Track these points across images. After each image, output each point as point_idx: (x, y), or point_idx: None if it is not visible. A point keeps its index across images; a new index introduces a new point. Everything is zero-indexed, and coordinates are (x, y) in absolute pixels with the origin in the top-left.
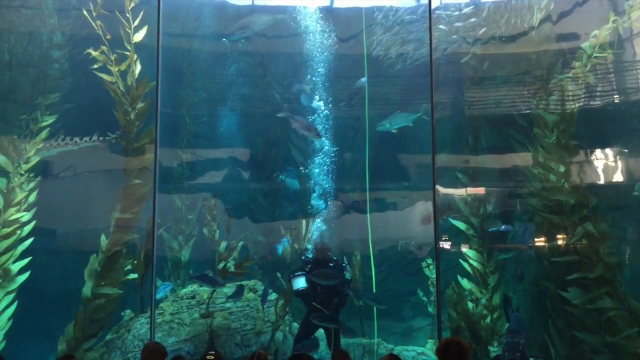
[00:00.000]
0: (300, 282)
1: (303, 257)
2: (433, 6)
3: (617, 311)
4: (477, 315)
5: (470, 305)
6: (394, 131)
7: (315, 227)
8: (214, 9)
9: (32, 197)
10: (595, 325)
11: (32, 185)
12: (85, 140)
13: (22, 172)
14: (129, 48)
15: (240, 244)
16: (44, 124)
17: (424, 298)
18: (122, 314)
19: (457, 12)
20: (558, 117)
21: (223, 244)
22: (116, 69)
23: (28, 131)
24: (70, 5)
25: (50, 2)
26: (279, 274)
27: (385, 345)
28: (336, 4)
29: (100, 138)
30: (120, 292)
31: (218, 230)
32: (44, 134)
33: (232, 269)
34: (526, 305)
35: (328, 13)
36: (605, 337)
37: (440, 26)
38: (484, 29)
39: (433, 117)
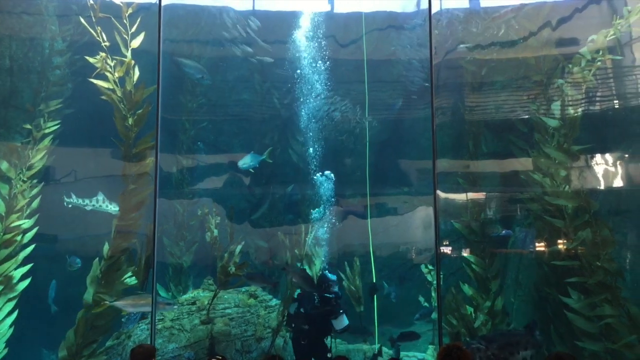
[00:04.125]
0: (344, 320)
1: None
2: (433, 11)
3: (616, 318)
4: (478, 321)
5: (470, 310)
6: (252, 170)
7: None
8: (214, 14)
9: (35, 204)
10: (596, 331)
11: (35, 191)
12: None
13: (25, 179)
14: (126, 54)
15: (239, 247)
16: (47, 130)
17: (426, 304)
18: (123, 320)
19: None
20: (560, 123)
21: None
22: (115, 76)
23: (31, 138)
24: (71, 12)
25: (51, 9)
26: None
27: (386, 351)
28: (336, 9)
29: None
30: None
31: (218, 236)
32: (46, 141)
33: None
34: (527, 311)
35: (328, 18)
36: (606, 344)
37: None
38: (483, 35)
39: (433, 123)
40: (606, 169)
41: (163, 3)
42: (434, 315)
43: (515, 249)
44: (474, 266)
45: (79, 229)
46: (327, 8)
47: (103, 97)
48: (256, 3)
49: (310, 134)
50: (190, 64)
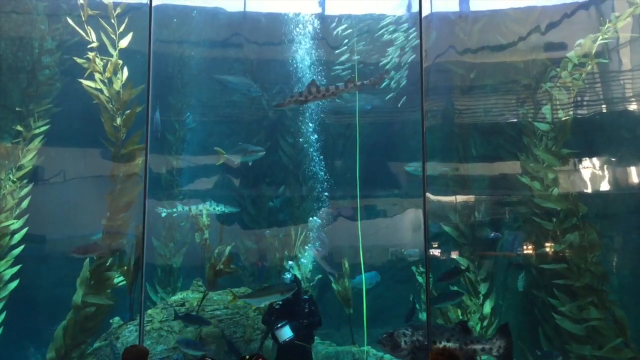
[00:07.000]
0: (286, 333)
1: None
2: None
3: (602, 321)
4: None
5: (458, 312)
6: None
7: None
8: (206, 15)
9: (25, 204)
10: (583, 334)
11: (24, 191)
12: None
13: (14, 179)
14: (114, 54)
15: (228, 248)
16: (37, 131)
17: (417, 305)
18: (111, 321)
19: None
20: (550, 126)
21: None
22: (105, 76)
23: (20, 138)
24: (61, 11)
25: (40, 8)
26: None
27: (375, 353)
28: (328, 12)
29: None
30: (112, 302)
31: (208, 238)
32: (36, 141)
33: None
34: (515, 313)
35: (319, 19)
36: (592, 350)
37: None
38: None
39: (423, 125)
40: (594, 173)
41: (154, 3)
42: (423, 316)
43: (504, 251)
44: (463, 268)
45: (68, 229)
46: (318, 10)
47: (95, 101)
48: (247, 4)
49: (300, 135)
50: (235, 80)
